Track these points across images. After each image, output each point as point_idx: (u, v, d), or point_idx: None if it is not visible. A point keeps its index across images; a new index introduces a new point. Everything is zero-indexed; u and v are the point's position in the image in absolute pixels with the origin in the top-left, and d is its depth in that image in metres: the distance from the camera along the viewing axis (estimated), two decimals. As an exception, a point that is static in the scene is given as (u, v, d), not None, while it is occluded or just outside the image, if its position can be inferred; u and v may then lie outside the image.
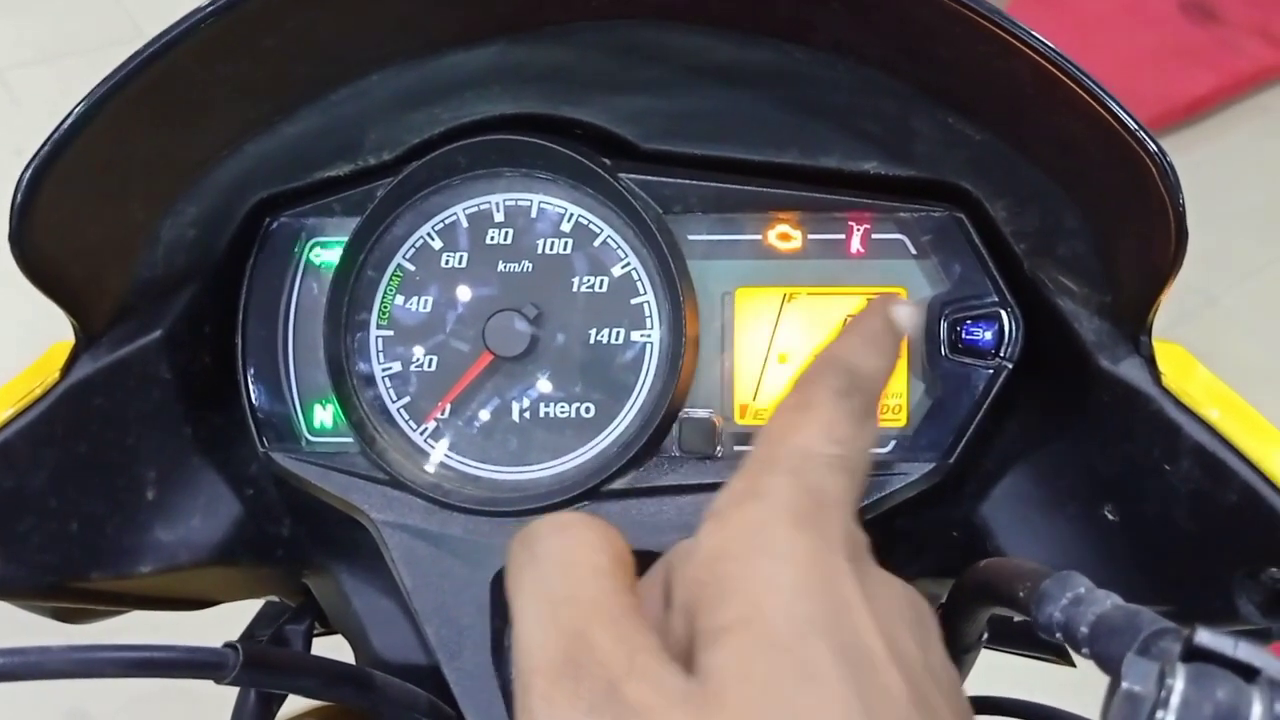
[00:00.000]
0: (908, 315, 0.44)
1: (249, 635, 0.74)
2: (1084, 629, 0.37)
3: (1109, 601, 0.37)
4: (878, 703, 0.31)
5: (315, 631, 0.65)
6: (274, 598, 0.72)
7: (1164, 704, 0.32)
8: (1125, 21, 3.47)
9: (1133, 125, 0.44)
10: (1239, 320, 2.68)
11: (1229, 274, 2.84)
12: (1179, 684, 0.32)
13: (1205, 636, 0.33)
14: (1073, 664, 0.70)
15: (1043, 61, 0.43)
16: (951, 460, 0.53)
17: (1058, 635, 0.38)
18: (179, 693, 1.86)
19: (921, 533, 0.56)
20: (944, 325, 0.54)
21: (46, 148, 0.47)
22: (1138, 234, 0.47)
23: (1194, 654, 0.33)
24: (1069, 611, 0.37)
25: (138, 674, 0.42)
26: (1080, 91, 0.44)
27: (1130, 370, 0.48)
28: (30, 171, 0.47)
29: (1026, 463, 0.54)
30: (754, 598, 0.32)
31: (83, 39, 3.06)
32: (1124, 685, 0.32)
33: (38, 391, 0.51)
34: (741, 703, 0.30)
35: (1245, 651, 0.32)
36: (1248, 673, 0.32)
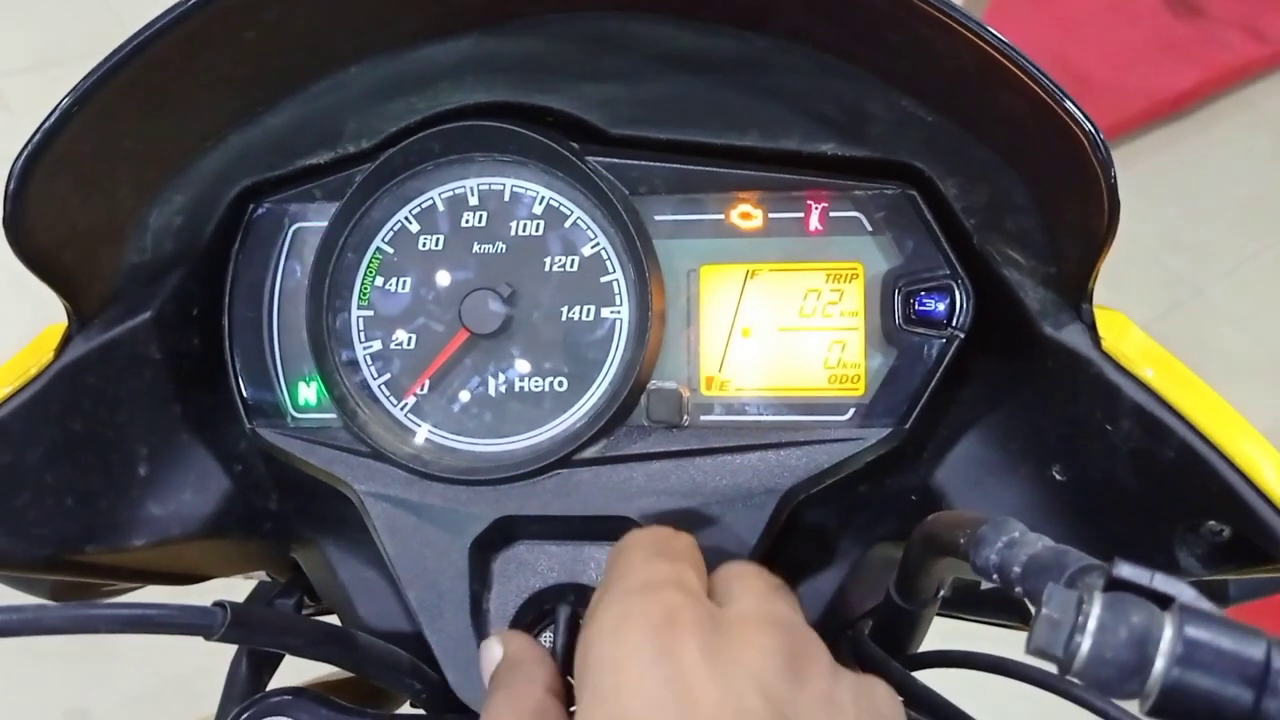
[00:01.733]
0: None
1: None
2: (1016, 569, 0.39)
3: (1040, 544, 0.39)
4: None
5: (305, 607, 0.67)
6: (265, 577, 0.74)
7: (1081, 629, 0.34)
8: (1111, 18, 3.49)
9: (1068, 104, 0.46)
10: (1226, 311, 2.70)
11: (1216, 266, 2.87)
12: (1095, 609, 0.34)
13: (1125, 569, 0.35)
14: None
15: (983, 44, 0.46)
16: (907, 426, 0.56)
17: (994, 577, 0.40)
18: (177, 689, 1.88)
19: (883, 498, 0.58)
20: (898, 298, 0.56)
21: (36, 137, 0.49)
22: (1077, 207, 0.49)
23: (1113, 585, 0.35)
24: (1004, 554, 0.40)
25: (131, 630, 0.44)
26: (1019, 73, 0.46)
27: (1072, 336, 0.50)
28: (21, 161, 0.49)
29: (979, 428, 0.56)
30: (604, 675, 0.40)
31: (77, 47, 3.08)
32: (1044, 611, 0.35)
33: (33, 371, 0.54)
34: None
35: (1161, 582, 0.35)
36: (1163, 601, 0.34)
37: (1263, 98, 3.44)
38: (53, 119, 0.49)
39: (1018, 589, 0.39)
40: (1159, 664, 0.33)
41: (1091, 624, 0.34)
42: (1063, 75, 0.46)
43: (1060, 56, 3.16)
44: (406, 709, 0.63)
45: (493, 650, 0.50)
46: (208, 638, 0.46)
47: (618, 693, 0.39)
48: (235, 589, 0.78)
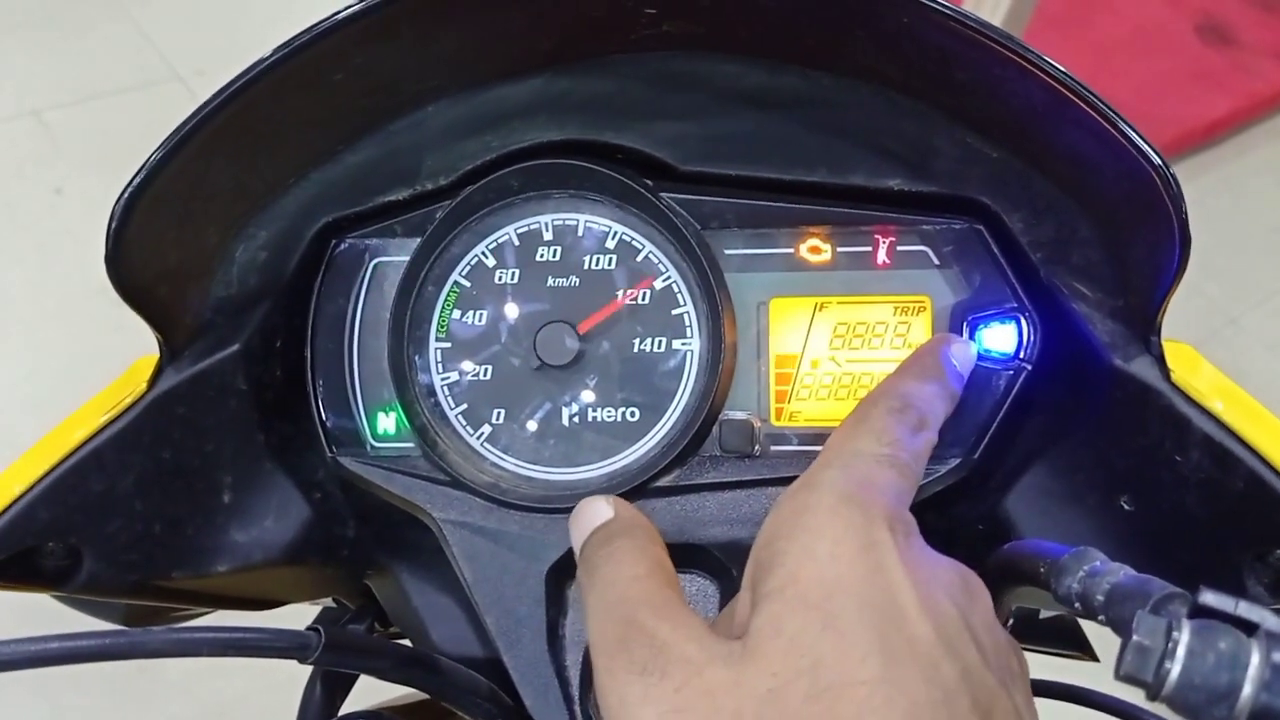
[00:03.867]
0: (960, 350, 0.54)
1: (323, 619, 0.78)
2: (1099, 597, 0.40)
3: (1122, 572, 0.40)
4: (900, 647, 0.36)
5: (375, 632, 0.69)
6: (332, 602, 0.76)
7: (1170, 655, 0.35)
8: (1142, 46, 3.50)
9: (1139, 141, 0.47)
10: (1262, 339, 2.70)
11: (1251, 295, 2.86)
12: (1184, 636, 0.35)
13: (1210, 596, 0.36)
14: (1095, 658, 0.73)
15: (1054, 82, 0.47)
16: (976, 456, 0.57)
17: (1076, 605, 0.41)
18: (218, 717, 1.89)
19: (950, 528, 0.59)
20: (966, 330, 0.58)
21: (138, 176, 0.51)
22: (1146, 242, 0.50)
23: (1199, 612, 0.36)
24: (1085, 583, 0.41)
25: (229, 654, 0.46)
26: (1089, 110, 0.47)
27: (1142, 368, 0.51)
28: (123, 199, 0.51)
29: (1046, 458, 0.57)
30: (792, 567, 0.39)
31: (118, 80, 3.14)
32: (1135, 638, 0.36)
33: (127, 401, 0.55)
34: (772, 653, 0.36)
35: (1246, 609, 0.36)
36: (1248, 627, 0.35)
37: (1295, 126, 3.44)
38: (154, 159, 0.51)
39: (1100, 617, 0.40)
40: (1247, 689, 0.34)
41: (1181, 650, 0.35)
42: None
43: (1091, 84, 3.18)
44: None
45: (599, 507, 0.48)
46: (303, 661, 0.47)
47: (819, 580, 0.38)
48: (289, 615, 0.79)
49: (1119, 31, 3.50)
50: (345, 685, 0.67)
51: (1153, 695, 0.35)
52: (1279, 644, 0.34)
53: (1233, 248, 3.00)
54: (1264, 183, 3.22)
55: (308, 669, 0.64)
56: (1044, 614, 0.75)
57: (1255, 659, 0.34)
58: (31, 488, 0.54)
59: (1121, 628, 0.38)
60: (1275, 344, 2.69)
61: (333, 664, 0.48)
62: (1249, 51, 3.53)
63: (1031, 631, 0.74)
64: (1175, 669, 0.35)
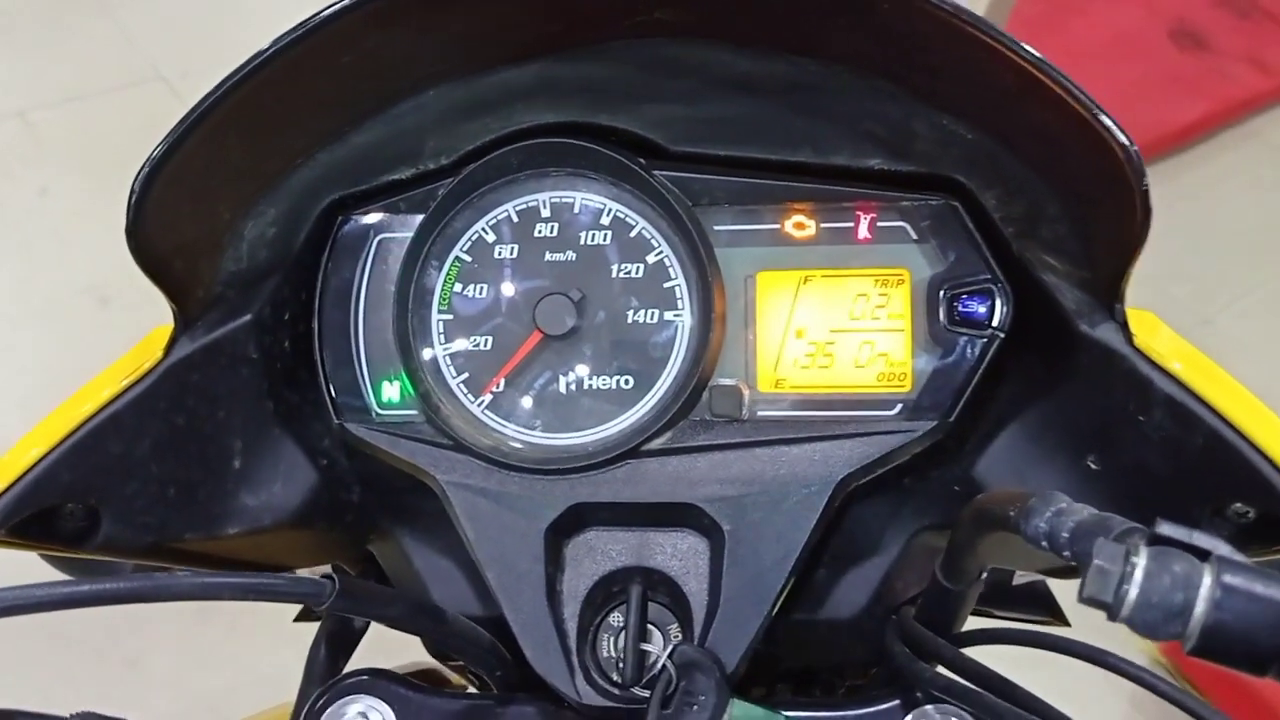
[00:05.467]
0: None
1: (309, 609, 0.80)
2: (1064, 534, 0.43)
3: (1085, 511, 0.43)
4: None
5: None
6: (334, 572, 0.78)
7: (1128, 578, 0.38)
8: (1117, 51, 3.54)
9: (1103, 118, 0.50)
10: (1234, 340, 2.74)
11: (1223, 295, 2.91)
12: (1142, 560, 0.38)
13: (1166, 527, 0.39)
14: (1067, 623, 0.76)
15: (1023, 62, 0.50)
16: (951, 419, 0.60)
17: (1044, 544, 0.44)
18: (207, 709, 1.90)
19: (927, 490, 0.62)
20: (942, 301, 0.61)
21: (156, 152, 0.54)
22: (1110, 215, 0.53)
23: (1156, 541, 0.39)
24: (1052, 522, 0.44)
25: (251, 598, 0.48)
26: (1056, 88, 0.50)
27: (1107, 333, 0.55)
28: (143, 174, 0.54)
29: (1018, 422, 0.60)
30: None
31: (103, 81, 3.15)
32: (1096, 562, 0.39)
33: (146, 366, 0.58)
34: None
35: (1199, 538, 0.39)
36: (1201, 554, 0.39)
37: (1269, 129, 3.49)
38: (171, 136, 0.53)
39: (1066, 552, 0.43)
40: (1199, 608, 0.37)
41: (1138, 573, 0.38)
42: None
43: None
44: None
45: None
46: (317, 606, 0.50)
47: None
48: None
49: (1094, 37, 3.55)
50: (349, 648, 0.70)
51: (1113, 615, 0.38)
52: (1229, 567, 0.37)
53: (1206, 250, 3.05)
54: (1237, 185, 3.28)
55: (293, 662, 0.66)
56: (1017, 580, 0.78)
57: (1207, 580, 0.37)
58: (53, 449, 0.56)
59: (1085, 560, 0.41)
60: (1247, 344, 2.73)
61: (347, 610, 0.51)
62: (1223, 56, 3.58)
63: (1005, 598, 0.78)
64: (1133, 590, 0.38)
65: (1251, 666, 0.37)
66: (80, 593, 0.46)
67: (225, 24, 3.15)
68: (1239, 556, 0.38)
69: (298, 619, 0.82)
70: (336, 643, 0.68)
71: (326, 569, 0.79)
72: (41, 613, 0.45)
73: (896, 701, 0.56)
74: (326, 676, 0.65)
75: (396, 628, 0.54)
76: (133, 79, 3.16)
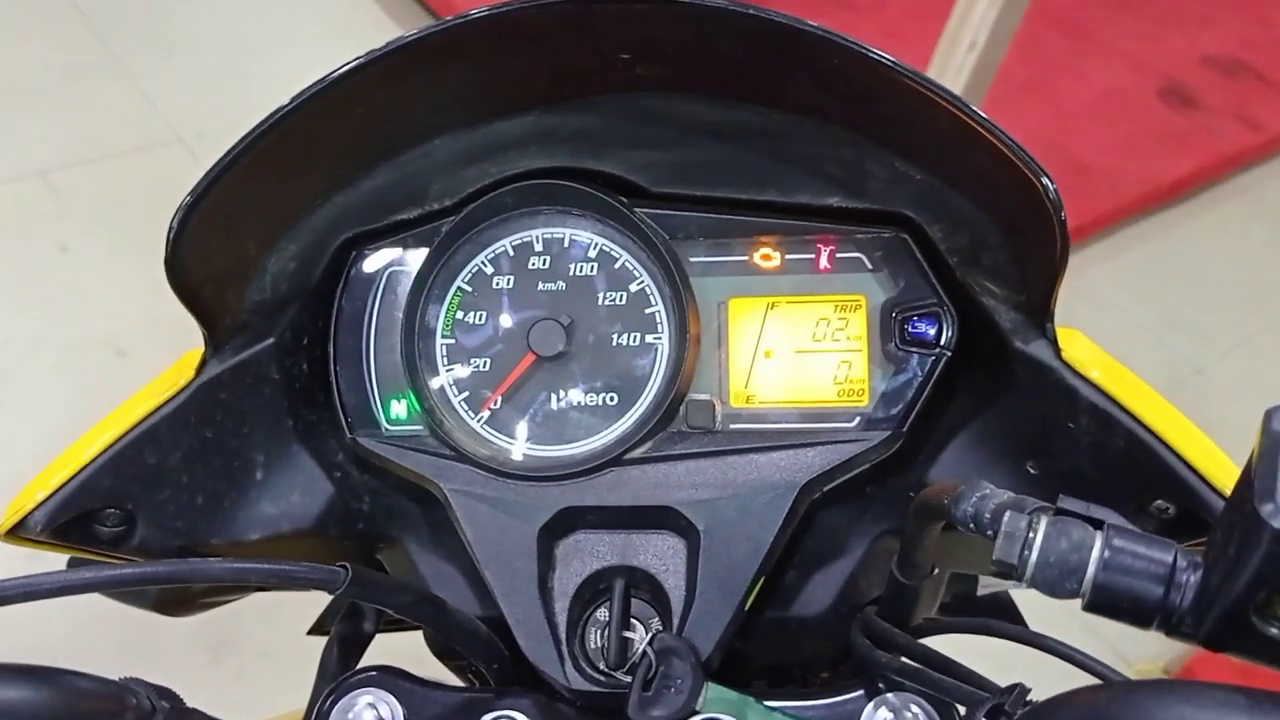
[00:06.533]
0: None
1: (321, 623, 0.86)
2: (987, 515, 0.49)
3: (1006, 495, 0.49)
4: None
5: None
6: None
7: (1030, 543, 0.44)
8: (1107, 110, 3.62)
9: (1024, 155, 0.57)
10: (1225, 388, 2.80)
11: (1216, 346, 2.96)
12: (1042, 527, 0.44)
13: (1067, 502, 0.46)
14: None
15: (952, 108, 0.57)
16: (905, 429, 0.66)
17: (971, 525, 0.50)
18: None
19: (886, 497, 0.68)
20: (895, 323, 0.67)
21: (197, 190, 0.60)
22: (1039, 243, 0.60)
23: (1059, 514, 0.45)
24: (977, 505, 0.50)
25: (272, 582, 0.54)
26: (985, 134, 0.57)
27: (1038, 349, 0.61)
28: (181, 210, 0.61)
29: (966, 433, 0.66)
30: None
31: (123, 142, 3.24)
32: (1003, 529, 0.45)
33: (179, 385, 0.65)
34: None
35: (1095, 510, 0.45)
36: (1096, 523, 0.45)
37: (1258, 184, 3.56)
38: (207, 176, 0.60)
39: (989, 531, 0.49)
40: (1091, 568, 0.43)
41: (1039, 538, 0.44)
42: (1060, 164, 0.57)
43: (1057, 146, 3.30)
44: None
45: None
46: (332, 592, 0.56)
47: None
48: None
49: (1084, 96, 3.64)
50: (359, 650, 0.76)
51: (1019, 576, 0.45)
52: (1118, 534, 0.44)
53: (1199, 300, 3.11)
54: (1228, 238, 3.35)
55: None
56: (981, 591, 0.84)
57: (1098, 544, 0.43)
58: (95, 458, 0.63)
59: (999, 532, 0.47)
60: (1240, 392, 2.78)
61: (358, 597, 0.57)
62: (1212, 114, 3.66)
63: (969, 607, 0.83)
64: (1034, 554, 0.44)
65: (1137, 620, 0.43)
66: (125, 575, 0.52)
67: (241, 88, 3.26)
68: (1129, 525, 0.44)
69: (310, 632, 0.88)
70: (347, 645, 0.74)
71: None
72: (93, 593, 0.51)
73: (860, 691, 0.62)
74: (337, 675, 0.71)
75: (403, 615, 0.60)
76: (151, 141, 3.26)
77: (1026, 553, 0.44)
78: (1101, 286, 2.99)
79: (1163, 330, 2.94)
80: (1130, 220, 3.20)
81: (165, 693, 0.48)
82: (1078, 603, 0.44)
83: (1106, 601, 0.43)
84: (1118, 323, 3.09)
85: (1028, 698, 0.48)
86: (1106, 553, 0.43)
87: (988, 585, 0.83)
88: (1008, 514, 0.46)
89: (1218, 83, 3.79)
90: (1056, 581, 0.43)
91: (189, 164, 3.10)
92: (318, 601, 0.89)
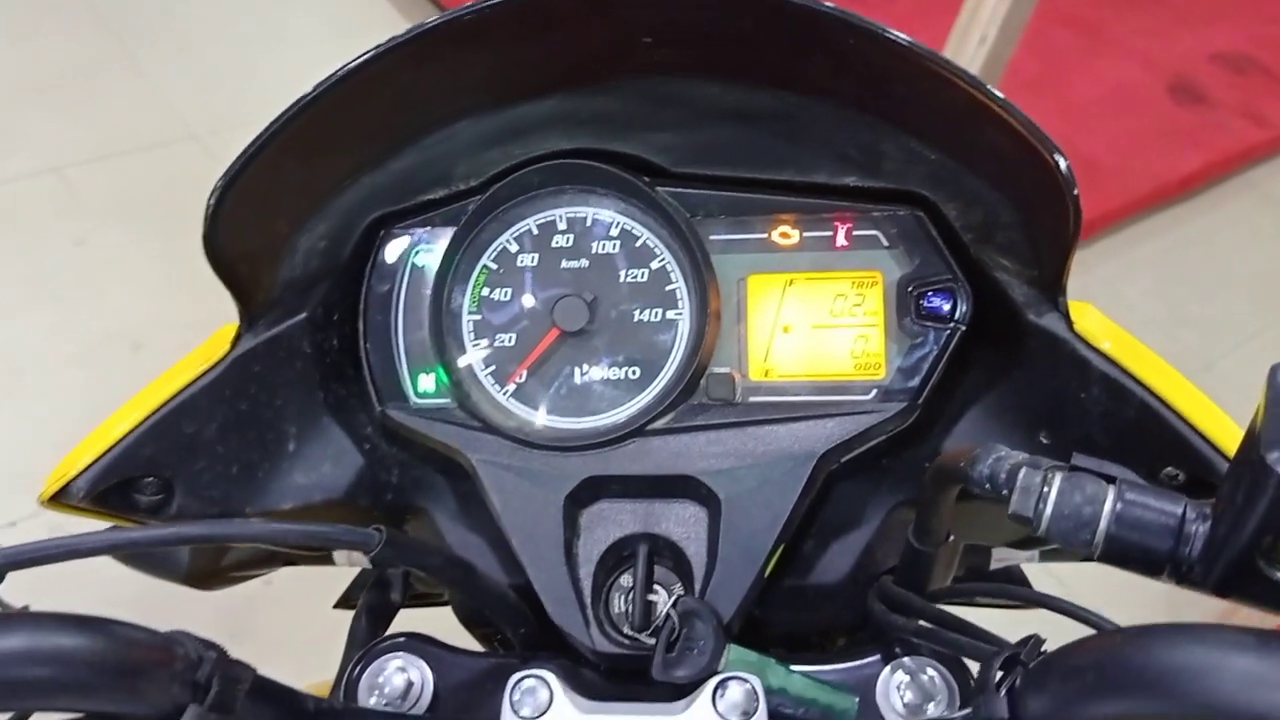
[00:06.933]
0: None
1: (348, 596, 0.88)
2: (1003, 475, 0.50)
3: (1021, 455, 0.51)
4: None
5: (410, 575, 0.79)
6: (369, 563, 0.86)
7: (1045, 497, 0.46)
8: (1116, 107, 3.63)
9: (1038, 133, 0.59)
10: (1235, 383, 2.80)
11: (1225, 341, 2.98)
12: (1057, 481, 0.46)
13: (1081, 459, 0.47)
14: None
15: (968, 87, 0.59)
16: (920, 401, 0.68)
17: (987, 486, 0.51)
18: None
19: (901, 468, 0.70)
20: (910, 299, 0.69)
21: (230, 171, 0.62)
22: (1051, 219, 0.62)
23: (1073, 470, 0.47)
24: (993, 466, 0.51)
25: (311, 543, 0.56)
26: (997, 109, 0.59)
27: (1051, 321, 0.63)
28: (219, 189, 0.62)
29: (979, 405, 0.68)
30: None
31: (137, 139, 3.27)
32: (1019, 484, 0.47)
33: (215, 358, 0.67)
34: None
35: (1108, 467, 0.47)
36: (1110, 479, 0.46)
37: (1266, 180, 3.57)
38: (242, 157, 0.62)
39: (1004, 490, 0.50)
40: (1103, 521, 0.45)
41: (1053, 493, 0.46)
42: (1070, 159, 0.58)
43: (1066, 143, 3.27)
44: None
45: None
46: (366, 552, 0.58)
47: None
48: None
49: (1094, 93, 3.65)
50: (386, 620, 0.78)
51: (1035, 529, 0.46)
52: (1130, 488, 0.45)
53: (1207, 296, 3.12)
54: (1236, 234, 3.36)
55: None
56: (993, 566, 0.86)
57: (1110, 497, 0.45)
58: (136, 427, 0.65)
59: (1014, 489, 0.49)
60: (1249, 387, 2.77)
61: (391, 558, 0.59)
62: (1220, 110, 3.67)
63: (982, 580, 0.85)
64: (1049, 507, 0.46)
65: (1148, 570, 0.45)
66: (167, 535, 0.54)
67: (253, 85, 3.28)
68: (1140, 480, 0.46)
69: (337, 606, 0.90)
70: (375, 615, 0.76)
71: (365, 564, 0.87)
72: (142, 550, 0.53)
73: (877, 656, 0.63)
74: (366, 643, 0.73)
75: (433, 577, 0.62)
76: (165, 137, 3.29)
77: (1042, 506, 0.46)
78: (1110, 282, 3.00)
79: (1171, 326, 2.95)
80: (1139, 216, 3.21)
81: (210, 645, 0.50)
82: (1091, 575, 0.46)
83: (1118, 552, 0.45)
84: (1126, 318, 3.07)
85: (1041, 649, 0.50)
86: (1119, 505, 0.45)
87: (1000, 559, 0.84)
88: (1023, 470, 0.47)
89: (1226, 79, 3.80)
90: (1071, 533, 0.45)
91: (202, 159, 3.13)
92: (333, 587, 0.91)
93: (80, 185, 3.12)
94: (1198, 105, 3.69)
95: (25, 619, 0.45)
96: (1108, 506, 0.45)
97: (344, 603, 0.90)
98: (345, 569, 0.89)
